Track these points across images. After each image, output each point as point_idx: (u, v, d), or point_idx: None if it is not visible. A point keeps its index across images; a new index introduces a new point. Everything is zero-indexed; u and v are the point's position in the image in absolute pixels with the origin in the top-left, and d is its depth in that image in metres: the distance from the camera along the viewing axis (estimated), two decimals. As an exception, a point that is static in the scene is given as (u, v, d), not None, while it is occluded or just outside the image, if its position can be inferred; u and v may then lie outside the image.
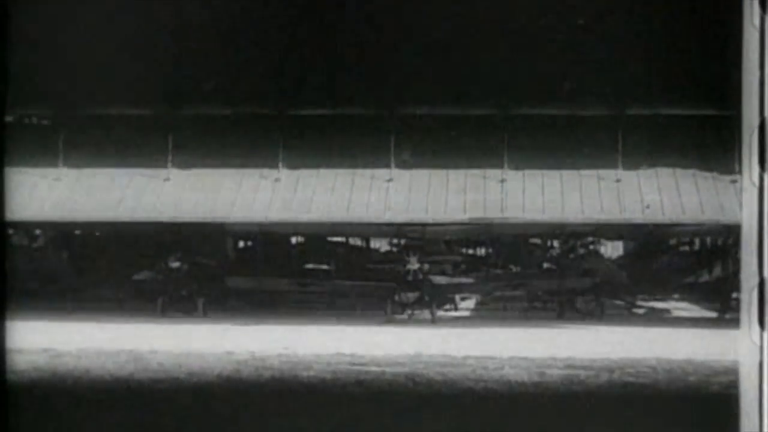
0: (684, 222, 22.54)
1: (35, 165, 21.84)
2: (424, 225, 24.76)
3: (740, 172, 15.24)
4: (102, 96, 20.21)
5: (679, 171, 21.98)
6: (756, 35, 14.86)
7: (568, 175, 22.69)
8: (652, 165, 22.21)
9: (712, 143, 20.22)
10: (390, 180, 22.89)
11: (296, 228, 24.31)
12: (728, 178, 19.96)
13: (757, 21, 14.84)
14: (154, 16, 18.79)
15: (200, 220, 23.85)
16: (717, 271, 23.81)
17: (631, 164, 22.33)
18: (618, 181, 22.47)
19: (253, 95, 21.00)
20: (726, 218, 20.04)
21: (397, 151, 22.56)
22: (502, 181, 22.72)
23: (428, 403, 18.67)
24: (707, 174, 21.19)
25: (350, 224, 23.92)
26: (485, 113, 22.05)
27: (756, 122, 14.76)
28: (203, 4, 18.84)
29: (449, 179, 22.86)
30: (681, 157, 21.52)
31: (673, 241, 25.57)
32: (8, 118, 18.23)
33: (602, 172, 22.48)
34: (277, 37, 19.47)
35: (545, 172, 22.74)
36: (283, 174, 23.11)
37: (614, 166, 22.40)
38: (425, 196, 23.02)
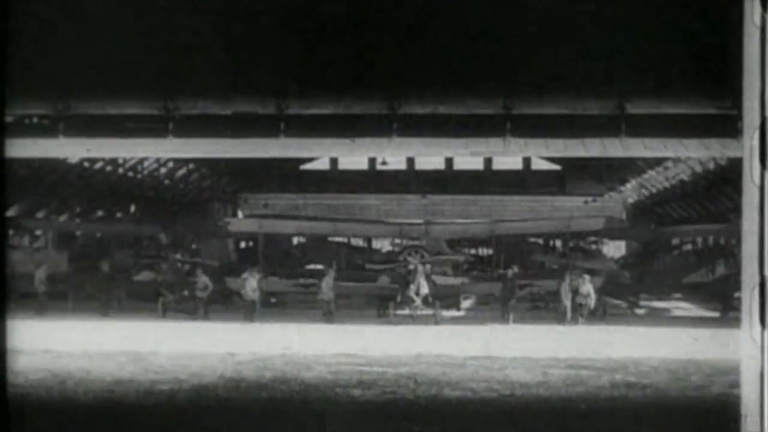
0: (686, 156, 22.41)
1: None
2: (426, 224, 24.77)
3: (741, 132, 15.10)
4: (103, 93, 20.21)
5: (683, 140, 22.01)
6: (757, 34, 14.82)
7: (571, 140, 22.68)
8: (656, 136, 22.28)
9: (715, 131, 20.21)
10: (390, 141, 22.80)
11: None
12: (732, 140, 19.73)
13: (758, 20, 14.79)
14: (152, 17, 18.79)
15: (201, 156, 23.81)
16: (719, 270, 23.83)
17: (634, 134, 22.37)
18: (621, 141, 22.42)
19: (252, 94, 20.97)
20: (730, 152, 19.79)
21: (399, 133, 22.52)
22: (504, 139, 22.65)
23: (430, 403, 18.64)
24: (710, 138, 21.20)
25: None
26: (487, 113, 22.05)
27: (757, 122, 14.71)
28: (203, 4, 18.83)
29: (450, 142, 22.86)
30: (683, 129, 21.54)
31: (675, 241, 25.60)
32: (8, 119, 18.22)
33: (606, 140, 22.50)
34: (278, 36, 19.45)
35: (549, 140, 22.73)
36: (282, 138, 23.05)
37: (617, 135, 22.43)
38: (427, 140, 22.94)
